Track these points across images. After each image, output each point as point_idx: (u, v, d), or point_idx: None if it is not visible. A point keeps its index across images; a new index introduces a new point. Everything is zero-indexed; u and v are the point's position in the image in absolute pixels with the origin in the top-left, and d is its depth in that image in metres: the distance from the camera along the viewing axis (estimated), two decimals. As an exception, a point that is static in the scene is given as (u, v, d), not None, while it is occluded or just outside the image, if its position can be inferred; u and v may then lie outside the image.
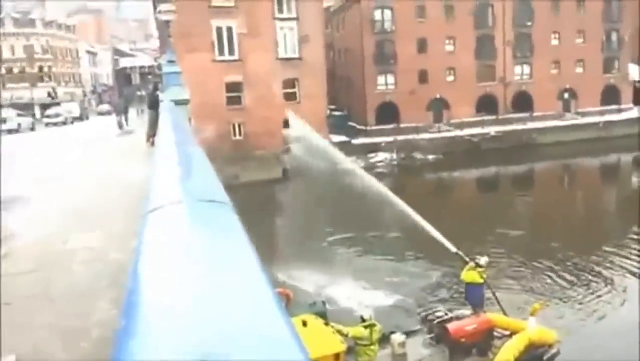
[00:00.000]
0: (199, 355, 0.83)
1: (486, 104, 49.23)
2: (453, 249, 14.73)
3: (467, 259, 14.19)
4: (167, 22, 18.18)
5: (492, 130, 46.69)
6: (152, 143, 12.02)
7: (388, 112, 46.95)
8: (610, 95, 52.18)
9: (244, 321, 0.96)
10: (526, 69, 50.90)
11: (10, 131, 32.53)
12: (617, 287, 18.84)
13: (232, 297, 1.04)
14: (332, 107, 45.88)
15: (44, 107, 56.40)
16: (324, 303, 13.23)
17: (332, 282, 18.48)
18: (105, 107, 50.70)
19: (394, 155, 43.68)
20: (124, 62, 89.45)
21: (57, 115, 40.46)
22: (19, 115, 41.84)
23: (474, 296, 13.96)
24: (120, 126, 23.61)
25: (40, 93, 66.05)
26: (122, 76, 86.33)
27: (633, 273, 20.09)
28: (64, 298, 4.93)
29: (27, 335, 4.16)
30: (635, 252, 21.86)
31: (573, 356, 13.73)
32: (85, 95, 75.41)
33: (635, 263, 20.81)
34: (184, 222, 1.64)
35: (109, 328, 3.84)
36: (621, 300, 17.94)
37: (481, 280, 13.92)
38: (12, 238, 6.63)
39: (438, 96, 48.11)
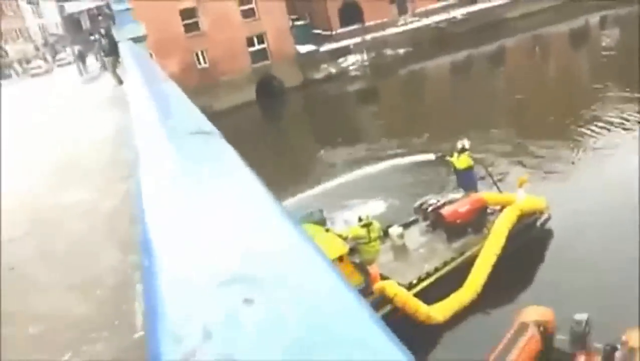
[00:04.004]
0: (229, 277, 0.86)
1: (448, -13, 47.84)
2: (433, 157, 14.96)
3: (447, 157, 14.48)
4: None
5: (457, 13, 45.70)
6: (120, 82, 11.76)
7: (351, 13, 45.53)
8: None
9: (264, 242, 0.98)
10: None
11: None
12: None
13: (248, 222, 1.06)
14: (293, 17, 44.40)
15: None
16: (320, 211, 13.53)
17: None
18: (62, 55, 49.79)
19: (365, 56, 42.90)
20: (70, 7, 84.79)
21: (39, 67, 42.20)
22: None
23: (467, 180, 14.32)
24: (80, 73, 22.90)
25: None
26: (71, 22, 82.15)
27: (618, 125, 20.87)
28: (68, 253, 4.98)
29: (39, 295, 4.24)
30: (615, 107, 22.57)
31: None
32: (37, 49, 72.12)
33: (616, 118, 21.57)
34: (179, 158, 1.63)
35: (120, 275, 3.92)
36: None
37: (471, 163, 14.23)
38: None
39: (399, -13, 46.59)
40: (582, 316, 9.06)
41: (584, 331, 8.99)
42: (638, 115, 20.91)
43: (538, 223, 13.94)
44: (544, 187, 16.11)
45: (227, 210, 1.14)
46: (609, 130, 20.36)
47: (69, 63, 36.21)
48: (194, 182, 1.32)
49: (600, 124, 20.90)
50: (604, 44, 38.27)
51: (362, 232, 11.64)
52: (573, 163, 18.24)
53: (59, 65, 40.13)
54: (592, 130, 20.53)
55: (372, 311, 0.81)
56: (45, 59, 50.25)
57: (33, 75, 38.90)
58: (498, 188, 14.57)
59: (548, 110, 23.95)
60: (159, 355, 0.80)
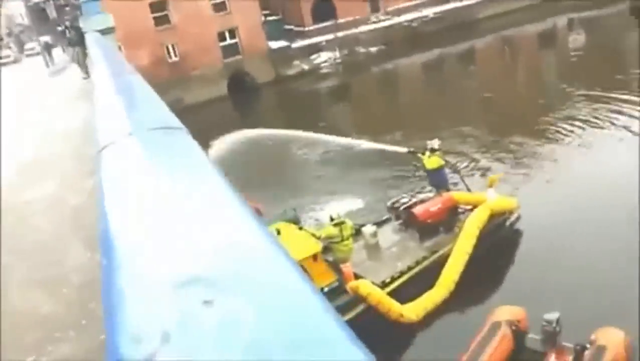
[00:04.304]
0: (189, 278, 0.84)
1: (421, -15, 48.13)
2: (404, 150, 15.11)
3: (419, 154, 14.63)
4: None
5: (429, 12, 46.09)
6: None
7: (324, 9, 45.49)
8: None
9: (226, 241, 0.97)
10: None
11: None
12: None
13: (210, 221, 1.04)
14: (266, 12, 44.15)
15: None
16: (294, 210, 13.53)
17: None
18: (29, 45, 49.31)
19: (337, 53, 42.93)
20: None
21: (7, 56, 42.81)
22: None
23: (438, 180, 14.47)
24: (47, 65, 22.40)
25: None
26: (37, 12, 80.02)
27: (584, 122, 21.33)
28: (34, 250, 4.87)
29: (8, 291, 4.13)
30: (586, 106, 23.04)
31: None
32: (1, 39, 70.16)
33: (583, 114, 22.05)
34: (141, 154, 1.60)
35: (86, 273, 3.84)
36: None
37: (442, 163, 14.40)
38: None
39: (372, -16, 46.69)
40: (552, 316, 9.22)
41: (555, 330, 9.15)
42: (610, 113, 21.36)
43: (507, 223, 14.15)
44: (518, 186, 16.42)
45: (189, 208, 1.12)
46: (583, 128, 20.72)
47: (38, 53, 35.77)
48: (156, 178, 1.30)
49: (574, 123, 21.26)
50: (572, 45, 39.10)
51: (335, 230, 11.66)
52: (555, 160, 18.51)
53: (27, 55, 39.94)
54: (565, 129, 20.88)
55: (335, 312, 0.80)
56: (12, 49, 50.05)
57: (1, 65, 38.89)
58: (468, 188, 14.75)
59: (520, 109, 24.35)
60: (118, 357, 0.78)
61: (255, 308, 0.76)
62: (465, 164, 18.66)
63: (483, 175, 17.33)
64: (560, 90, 26.51)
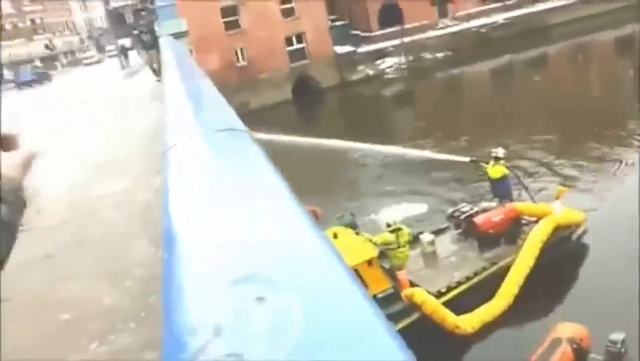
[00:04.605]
0: (244, 275, 0.87)
1: (491, -9, 47.10)
2: (467, 159, 14.73)
3: (482, 163, 14.27)
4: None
5: (499, 18, 45.00)
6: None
7: (391, 14, 45.31)
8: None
9: (281, 242, 1.00)
10: (530, -54, 48.08)
11: None
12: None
13: (267, 221, 1.07)
14: (332, 17, 44.45)
15: (44, 60, 56.09)
16: (352, 214, 13.52)
17: None
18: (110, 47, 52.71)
19: (403, 59, 42.64)
20: (115, 1, 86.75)
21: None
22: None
23: (501, 190, 14.09)
24: (122, 67, 23.57)
25: (37, 47, 64.78)
26: (115, 16, 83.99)
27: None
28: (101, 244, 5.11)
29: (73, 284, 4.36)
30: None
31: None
32: (83, 42, 74.12)
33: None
34: (206, 155, 1.66)
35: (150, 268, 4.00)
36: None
37: (507, 172, 14.02)
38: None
39: (440, -10, 46.11)
40: (618, 336, 8.78)
41: (620, 351, 8.71)
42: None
43: (574, 237, 13.59)
44: (591, 198, 15.78)
45: (249, 208, 1.16)
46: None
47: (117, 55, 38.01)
48: (218, 179, 1.35)
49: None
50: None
51: (391, 237, 11.57)
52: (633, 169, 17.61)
53: (109, 57, 43.24)
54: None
55: (384, 317, 0.81)
56: (95, 50, 55.22)
57: (85, 65, 43.10)
58: (532, 198, 14.28)
59: (595, 118, 23.32)
60: (172, 346, 0.83)
61: (305, 308, 0.79)
62: (536, 171, 18.14)
63: (562, 184, 16.73)
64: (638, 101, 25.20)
